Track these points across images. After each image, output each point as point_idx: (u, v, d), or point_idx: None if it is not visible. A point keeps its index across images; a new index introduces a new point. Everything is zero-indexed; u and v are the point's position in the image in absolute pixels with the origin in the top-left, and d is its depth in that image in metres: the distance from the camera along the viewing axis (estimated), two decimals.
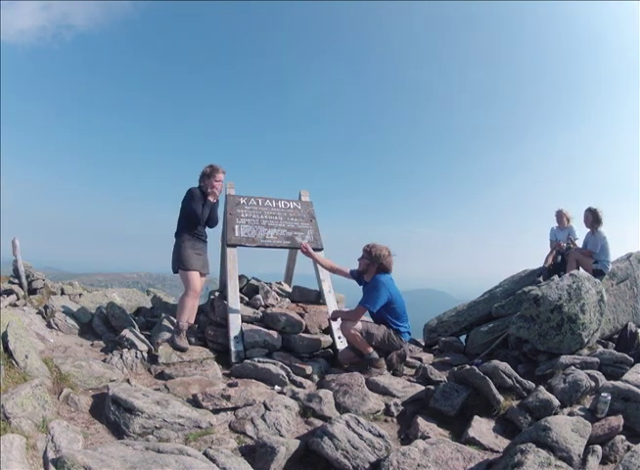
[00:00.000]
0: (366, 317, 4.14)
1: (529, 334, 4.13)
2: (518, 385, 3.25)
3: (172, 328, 4.22)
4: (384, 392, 3.51)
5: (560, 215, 6.56)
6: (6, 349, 2.77)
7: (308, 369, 3.85)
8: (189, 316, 4.17)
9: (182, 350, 3.92)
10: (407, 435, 2.89)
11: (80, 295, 6.45)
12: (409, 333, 4.23)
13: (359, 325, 3.92)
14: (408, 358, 4.44)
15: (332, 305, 4.73)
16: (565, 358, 3.67)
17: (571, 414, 2.73)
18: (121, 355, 3.64)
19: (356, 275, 4.30)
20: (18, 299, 5.72)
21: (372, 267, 4.10)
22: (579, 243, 6.15)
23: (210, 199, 4.23)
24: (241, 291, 4.88)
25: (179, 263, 4.14)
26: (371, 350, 3.94)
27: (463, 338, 5.65)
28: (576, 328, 3.96)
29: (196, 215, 4.16)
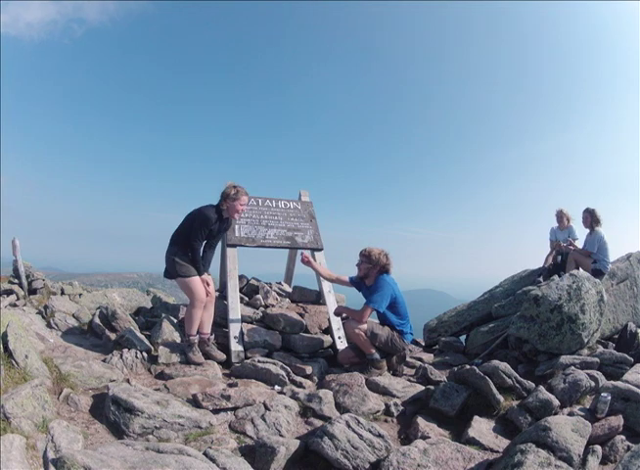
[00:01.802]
0: (370, 317, 4.13)
1: (529, 334, 4.13)
2: (518, 385, 3.25)
3: (173, 328, 4.21)
4: (384, 392, 3.52)
5: (560, 216, 6.55)
6: (6, 349, 2.77)
7: (308, 369, 3.85)
8: (196, 327, 3.94)
9: (198, 364, 3.74)
10: (407, 435, 2.89)
11: (80, 295, 6.46)
12: (411, 334, 4.23)
13: (364, 324, 3.92)
14: (408, 358, 4.44)
15: (332, 305, 4.73)
16: (565, 358, 3.67)
17: (570, 414, 2.73)
18: (121, 355, 3.64)
19: (356, 281, 4.28)
20: (18, 299, 5.73)
21: (373, 270, 4.09)
22: (580, 243, 6.15)
23: (235, 217, 4.07)
24: (241, 291, 4.88)
25: (178, 270, 3.82)
26: (373, 350, 3.94)
27: (463, 338, 5.65)
28: (576, 328, 3.97)
29: (194, 250, 3.87)
